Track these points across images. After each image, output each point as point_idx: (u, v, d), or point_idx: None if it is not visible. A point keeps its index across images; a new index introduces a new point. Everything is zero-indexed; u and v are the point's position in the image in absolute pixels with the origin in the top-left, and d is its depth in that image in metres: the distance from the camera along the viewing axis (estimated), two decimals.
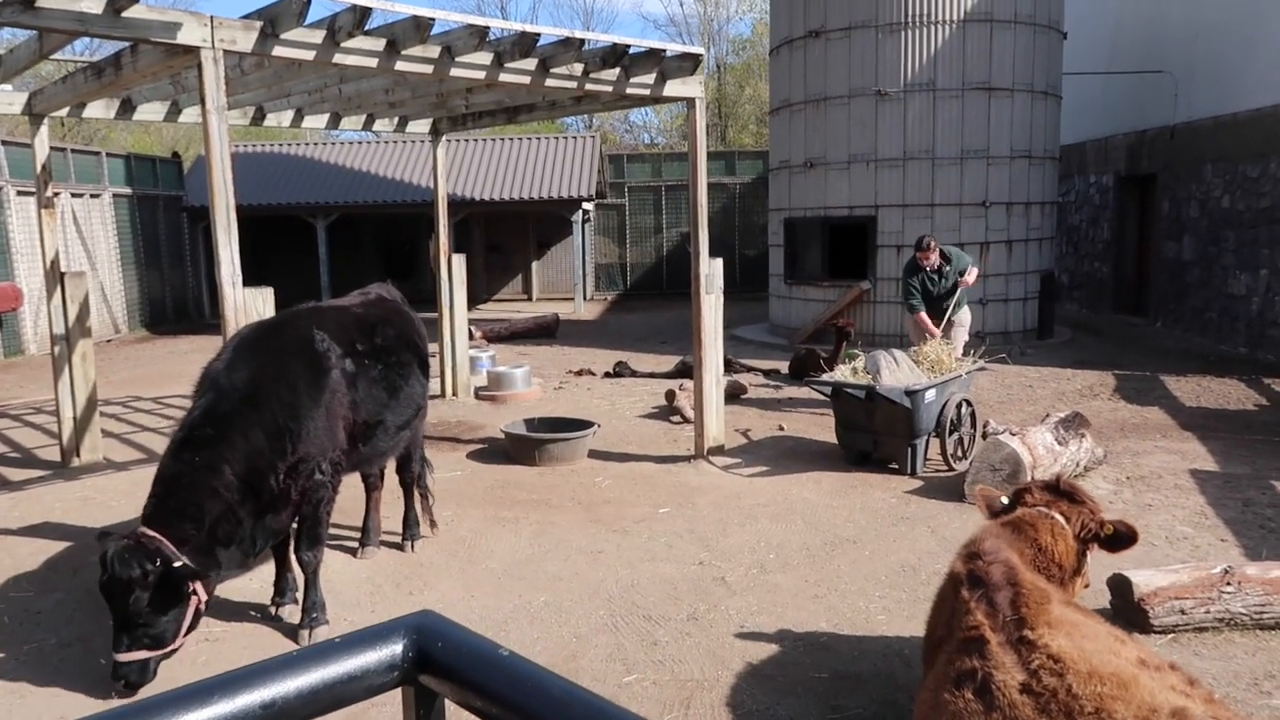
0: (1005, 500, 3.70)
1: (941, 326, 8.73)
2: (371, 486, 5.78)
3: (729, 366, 11.29)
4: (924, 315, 8.86)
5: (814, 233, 14.41)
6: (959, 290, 8.81)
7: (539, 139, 22.70)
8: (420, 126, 10.54)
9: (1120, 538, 3.36)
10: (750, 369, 11.86)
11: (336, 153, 22.51)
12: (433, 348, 11.47)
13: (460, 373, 10.57)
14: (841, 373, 7.75)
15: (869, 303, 13.71)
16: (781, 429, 8.82)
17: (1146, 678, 2.26)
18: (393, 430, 5.09)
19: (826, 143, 13.95)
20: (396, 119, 10.25)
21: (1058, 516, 3.46)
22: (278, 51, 5.50)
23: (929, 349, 7.87)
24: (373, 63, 5.95)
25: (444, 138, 10.66)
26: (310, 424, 4.39)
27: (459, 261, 10.51)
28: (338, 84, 7.91)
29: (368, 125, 10.23)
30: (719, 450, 7.78)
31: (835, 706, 3.82)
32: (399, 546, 5.79)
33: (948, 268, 8.88)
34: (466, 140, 22.04)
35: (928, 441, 7.36)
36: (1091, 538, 3.42)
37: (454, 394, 10.52)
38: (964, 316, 9.16)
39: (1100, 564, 4.76)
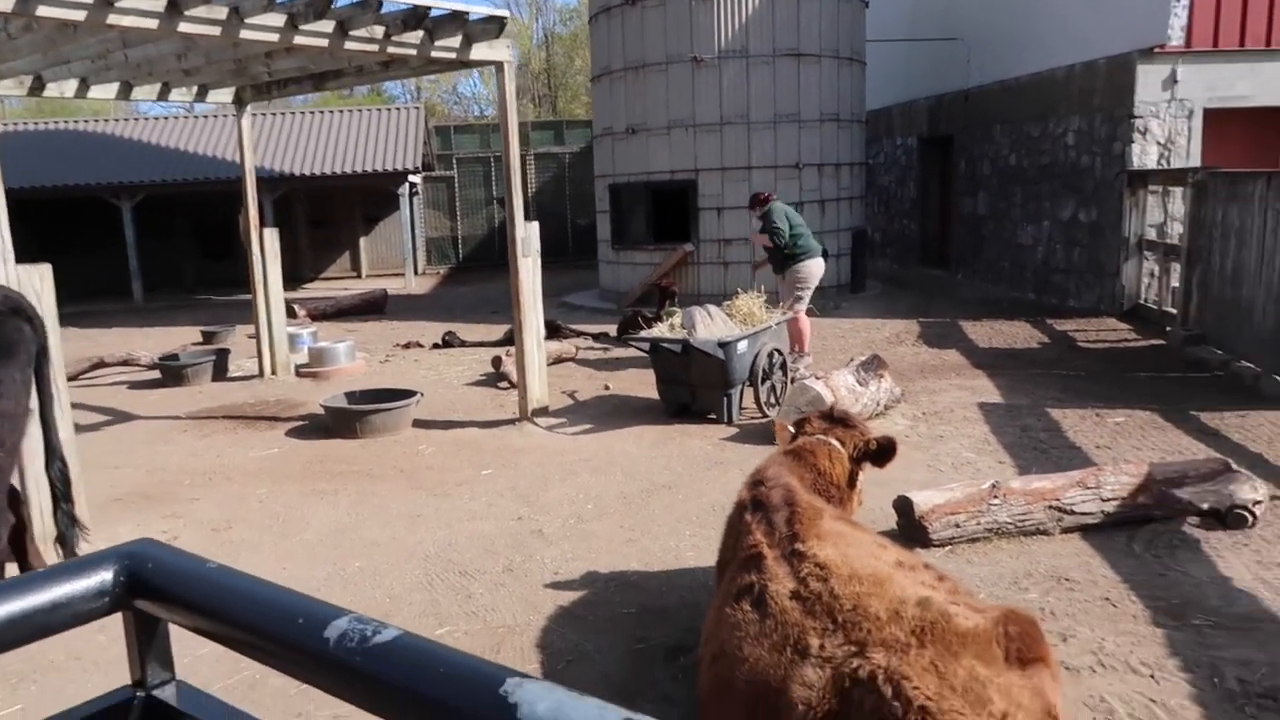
0: (792, 430, 3.99)
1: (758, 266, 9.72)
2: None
3: (558, 332, 11.39)
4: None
5: (638, 198, 14.63)
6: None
7: (361, 111, 21.96)
8: (222, 96, 10.00)
9: (884, 450, 3.68)
10: (579, 333, 11.99)
11: (142, 129, 21.03)
12: (249, 328, 11.12)
13: (279, 350, 10.20)
14: (659, 329, 7.97)
15: (693, 264, 14.06)
16: (607, 388, 8.99)
17: (901, 575, 2.50)
18: None
19: (647, 109, 14.15)
20: (195, 88, 9.70)
21: (834, 441, 3.75)
22: (42, 11, 5.11)
23: (740, 302, 8.20)
24: (152, 24, 5.62)
25: (249, 108, 10.19)
26: None
27: (270, 235, 10.11)
28: (122, 49, 7.42)
29: (163, 95, 9.64)
30: (543, 411, 7.86)
31: (641, 639, 4.00)
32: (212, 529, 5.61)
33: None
34: (284, 114, 21.08)
35: (742, 391, 7.68)
36: (862, 456, 3.73)
37: (273, 372, 10.15)
38: (796, 272, 8.87)
39: (890, 489, 5.16)
